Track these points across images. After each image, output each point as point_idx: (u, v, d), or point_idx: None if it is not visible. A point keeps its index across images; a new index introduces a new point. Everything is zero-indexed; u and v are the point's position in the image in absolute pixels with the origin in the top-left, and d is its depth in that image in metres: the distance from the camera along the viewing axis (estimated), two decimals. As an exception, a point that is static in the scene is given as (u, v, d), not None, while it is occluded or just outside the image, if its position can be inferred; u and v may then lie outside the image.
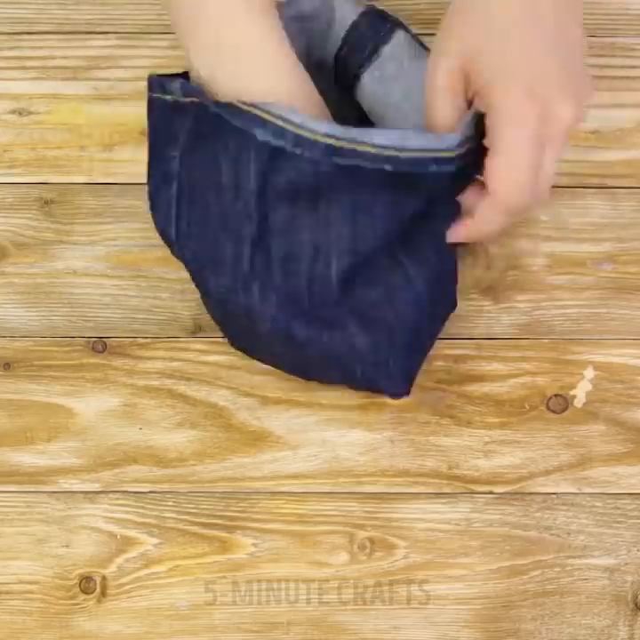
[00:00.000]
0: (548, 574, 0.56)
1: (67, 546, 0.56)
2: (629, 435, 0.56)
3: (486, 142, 0.41)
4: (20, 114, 0.57)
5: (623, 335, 0.57)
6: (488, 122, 0.40)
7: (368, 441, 0.56)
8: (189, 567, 0.56)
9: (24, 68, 0.57)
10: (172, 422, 0.56)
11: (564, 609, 0.56)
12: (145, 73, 0.56)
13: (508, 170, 0.40)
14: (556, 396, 0.56)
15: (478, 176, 0.43)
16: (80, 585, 0.56)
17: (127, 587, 0.56)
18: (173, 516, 0.56)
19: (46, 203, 0.57)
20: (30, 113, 0.57)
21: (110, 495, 0.56)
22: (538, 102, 0.39)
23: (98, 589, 0.56)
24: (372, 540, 0.56)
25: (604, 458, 0.56)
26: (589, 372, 0.57)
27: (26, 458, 0.56)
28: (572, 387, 0.57)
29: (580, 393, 0.57)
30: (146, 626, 0.55)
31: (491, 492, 0.56)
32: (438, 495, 0.56)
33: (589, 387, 0.57)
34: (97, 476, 0.56)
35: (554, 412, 0.56)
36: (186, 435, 0.56)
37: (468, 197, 0.44)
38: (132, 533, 0.56)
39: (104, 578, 0.56)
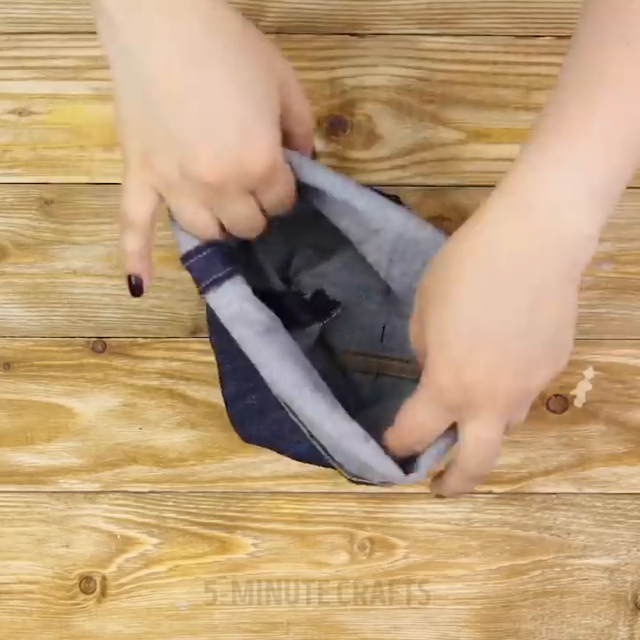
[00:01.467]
0: (548, 574, 0.56)
1: (67, 546, 0.56)
2: (629, 435, 0.56)
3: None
4: (20, 114, 0.57)
5: (623, 335, 0.57)
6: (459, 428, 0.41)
7: (368, 441, 0.56)
8: (189, 567, 0.56)
9: (24, 68, 0.57)
10: (172, 422, 0.56)
11: (563, 609, 0.56)
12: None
13: (413, 407, 0.42)
14: (555, 396, 0.56)
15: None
16: (80, 585, 0.56)
17: (127, 587, 0.56)
18: (173, 515, 0.56)
19: (46, 203, 0.57)
20: (30, 113, 0.57)
21: (110, 495, 0.56)
22: (456, 382, 0.40)
23: (98, 589, 0.56)
24: (371, 540, 0.56)
25: (603, 458, 0.56)
26: (589, 372, 0.57)
27: (26, 458, 0.56)
28: (572, 387, 0.57)
29: (580, 393, 0.57)
30: (146, 626, 0.55)
31: (491, 492, 0.56)
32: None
33: (589, 387, 0.57)
34: (97, 476, 0.56)
35: (554, 411, 0.56)
36: (186, 435, 0.56)
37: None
38: (132, 533, 0.56)
39: (104, 578, 0.56)
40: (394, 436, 0.43)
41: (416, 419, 0.42)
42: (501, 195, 0.39)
